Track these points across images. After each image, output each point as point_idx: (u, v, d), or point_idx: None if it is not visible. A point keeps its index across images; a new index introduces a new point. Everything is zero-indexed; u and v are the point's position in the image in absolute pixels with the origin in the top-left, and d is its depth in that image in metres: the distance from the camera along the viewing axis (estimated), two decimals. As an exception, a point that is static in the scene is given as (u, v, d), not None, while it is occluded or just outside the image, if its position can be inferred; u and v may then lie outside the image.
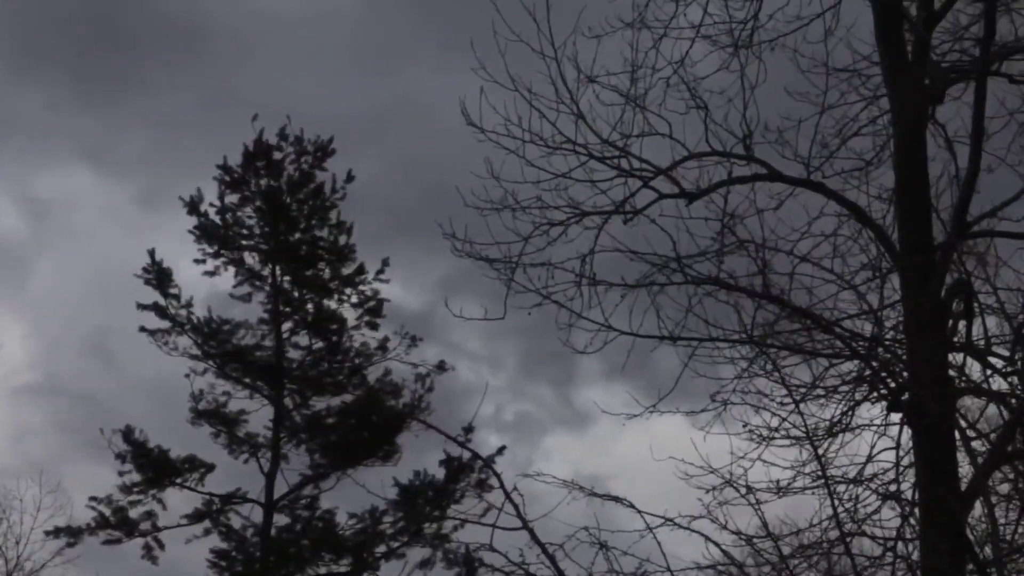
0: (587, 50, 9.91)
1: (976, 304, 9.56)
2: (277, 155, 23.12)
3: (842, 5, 10.20)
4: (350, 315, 23.35)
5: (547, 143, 9.82)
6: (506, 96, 9.68)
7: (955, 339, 9.46)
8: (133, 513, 22.26)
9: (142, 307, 22.62)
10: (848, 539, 8.81)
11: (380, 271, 23.36)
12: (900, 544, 9.10)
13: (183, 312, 22.68)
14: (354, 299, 23.33)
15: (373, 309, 23.33)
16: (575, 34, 9.78)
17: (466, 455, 21.80)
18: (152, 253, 22.77)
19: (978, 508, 9.29)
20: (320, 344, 23.14)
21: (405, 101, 39.44)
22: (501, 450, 22.66)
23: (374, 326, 23.31)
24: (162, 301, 22.65)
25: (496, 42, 9.56)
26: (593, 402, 10.04)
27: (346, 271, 23.37)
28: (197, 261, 22.86)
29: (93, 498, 22.17)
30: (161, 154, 42.60)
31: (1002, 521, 9.05)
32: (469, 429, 21.01)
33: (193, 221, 22.94)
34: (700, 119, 9.88)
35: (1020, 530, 8.98)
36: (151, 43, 43.34)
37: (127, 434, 22.36)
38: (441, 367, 23.18)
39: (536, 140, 9.79)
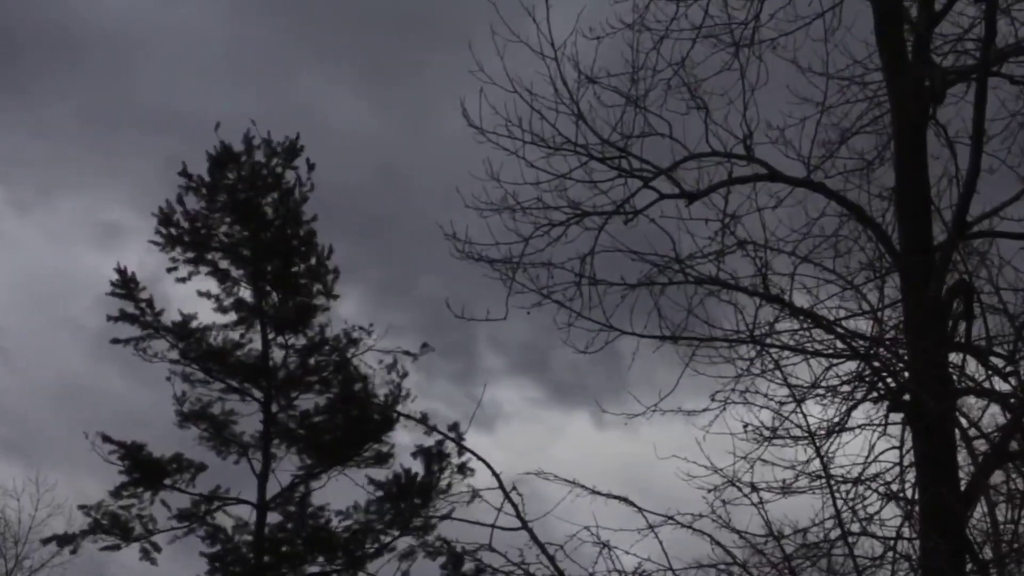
0: (587, 51, 9.94)
1: (977, 304, 9.55)
2: (244, 158, 23.27)
3: (842, 5, 10.24)
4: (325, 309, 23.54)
5: (547, 144, 9.84)
6: (505, 97, 9.71)
7: (955, 339, 9.46)
8: (126, 516, 22.26)
9: (112, 319, 22.70)
10: (850, 538, 8.80)
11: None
12: (901, 543, 9.10)
13: (157, 319, 22.72)
14: (321, 296, 23.45)
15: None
16: (575, 35, 9.81)
17: (435, 443, 21.96)
18: (120, 267, 22.84)
19: (978, 508, 9.27)
20: (302, 342, 23.24)
21: (289, 107, 39.81)
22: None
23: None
24: (132, 309, 22.69)
25: (495, 43, 9.59)
26: (594, 400, 10.04)
27: (314, 264, 23.54)
28: (170, 269, 23.08)
29: (83, 506, 22.18)
30: (47, 160, 42.82)
31: (1002, 521, 9.03)
32: (455, 427, 21.09)
33: (159, 228, 23.09)
34: (700, 119, 9.91)
35: (1020, 530, 8.96)
36: (27, 51, 43.58)
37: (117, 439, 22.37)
38: (425, 347, 23.25)
39: (536, 141, 9.81)
